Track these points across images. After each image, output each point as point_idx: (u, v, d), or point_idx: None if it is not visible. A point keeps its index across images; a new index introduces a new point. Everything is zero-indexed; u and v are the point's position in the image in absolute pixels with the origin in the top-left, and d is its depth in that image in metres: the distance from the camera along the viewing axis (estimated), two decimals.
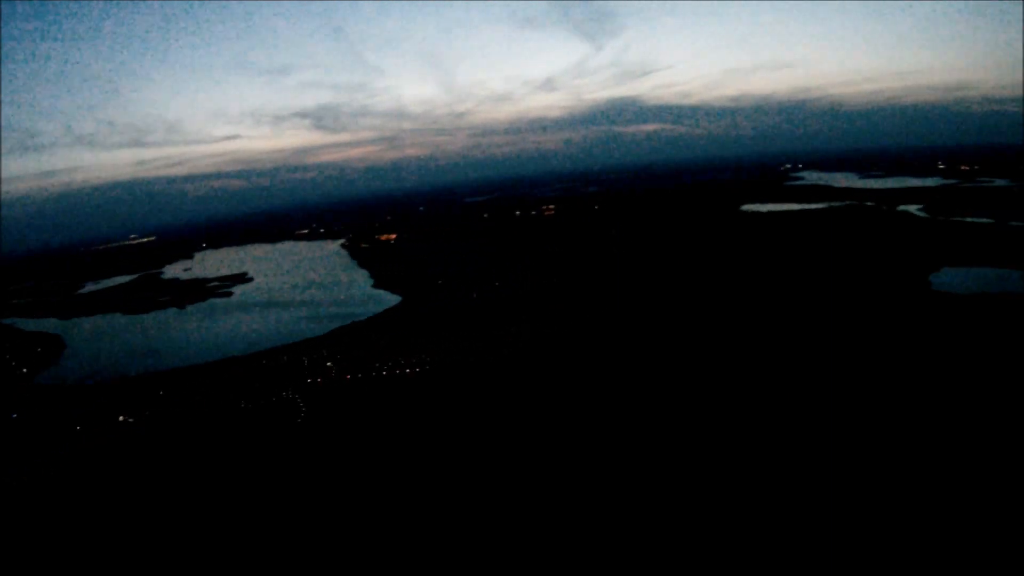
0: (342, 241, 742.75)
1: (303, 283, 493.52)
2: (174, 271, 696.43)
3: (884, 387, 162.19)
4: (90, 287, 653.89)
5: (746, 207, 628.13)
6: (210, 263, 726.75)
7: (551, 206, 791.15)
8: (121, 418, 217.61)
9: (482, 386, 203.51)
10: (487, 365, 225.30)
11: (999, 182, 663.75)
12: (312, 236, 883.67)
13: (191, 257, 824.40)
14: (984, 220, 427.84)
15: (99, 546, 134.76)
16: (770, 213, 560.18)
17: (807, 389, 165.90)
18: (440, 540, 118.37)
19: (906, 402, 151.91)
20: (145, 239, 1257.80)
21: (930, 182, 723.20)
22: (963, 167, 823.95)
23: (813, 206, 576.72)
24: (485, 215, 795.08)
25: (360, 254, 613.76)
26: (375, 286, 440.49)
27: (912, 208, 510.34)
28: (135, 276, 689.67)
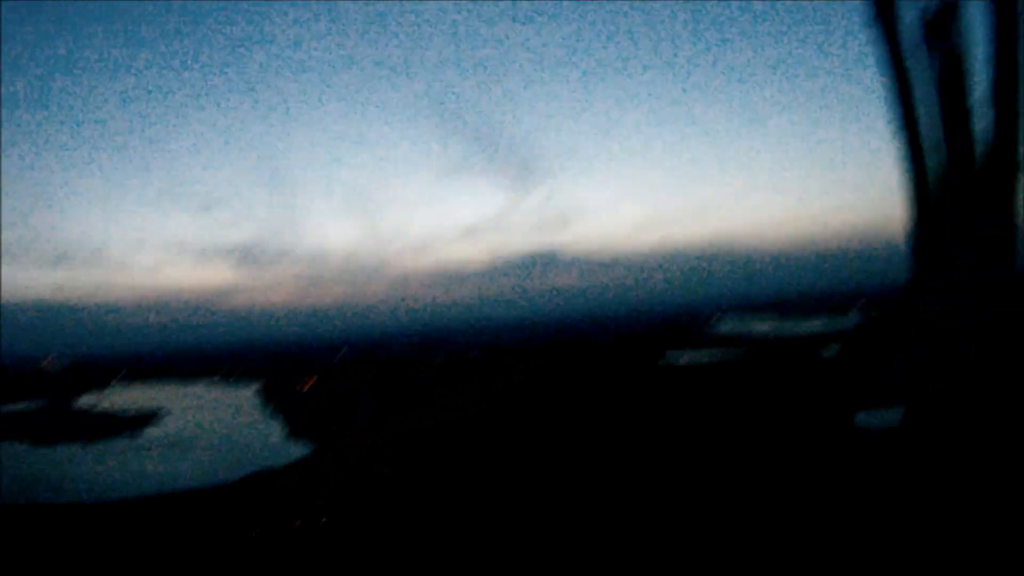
0: (258, 385, 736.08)
1: (215, 426, 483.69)
2: (86, 402, 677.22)
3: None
4: None
5: (664, 361, 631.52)
6: (124, 397, 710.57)
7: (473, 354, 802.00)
8: None
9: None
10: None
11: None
12: (228, 377, 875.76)
13: (105, 388, 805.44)
14: None
15: None
16: (690, 365, 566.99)
17: None
18: None
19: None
20: (59, 366, 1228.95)
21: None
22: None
23: (734, 352, 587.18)
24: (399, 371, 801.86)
25: (275, 399, 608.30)
26: (290, 434, 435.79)
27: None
28: (44, 402, 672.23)
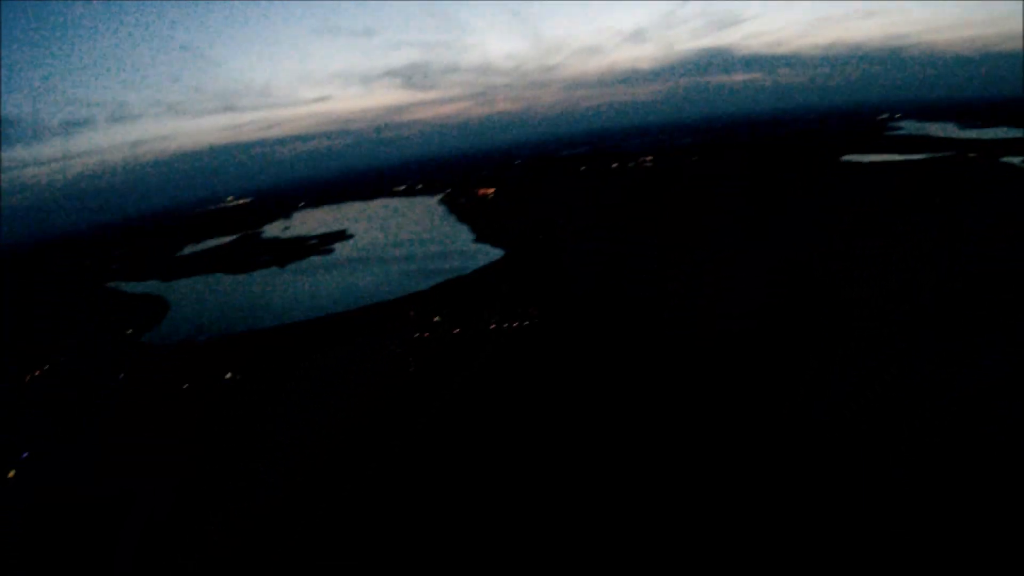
0: (440, 196, 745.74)
1: (404, 239, 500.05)
2: (273, 231, 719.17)
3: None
4: (190, 249, 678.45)
5: (847, 158, 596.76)
6: (309, 222, 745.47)
7: (648, 157, 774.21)
8: (228, 375, 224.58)
9: (592, 343, 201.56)
10: (596, 320, 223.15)
11: None
12: (409, 192, 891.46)
13: (289, 217, 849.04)
14: None
15: (206, 503, 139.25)
16: (872, 164, 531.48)
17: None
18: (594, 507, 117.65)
19: None
20: (242, 201, 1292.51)
21: None
22: None
23: (915, 157, 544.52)
24: (582, 167, 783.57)
25: (459, 209, 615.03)
26: (477, 240, 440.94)
27: (1016, 160, 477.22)
28: (234, 237, 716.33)
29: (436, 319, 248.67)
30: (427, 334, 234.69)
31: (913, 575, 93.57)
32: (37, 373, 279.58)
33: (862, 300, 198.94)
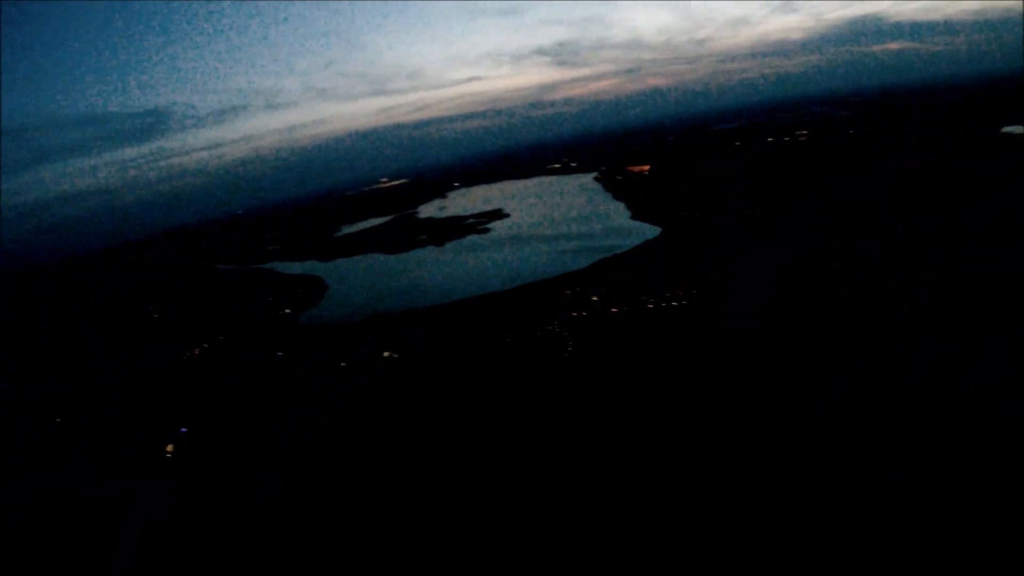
0: (595, 174, 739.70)
1: (560, 217, 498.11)
2: (428, 211, 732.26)
3: None
4: (346, 230, 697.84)
5: (1007, 129, 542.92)
6: (464, 201, 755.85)
7: (804, 131, 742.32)
8: (386, 354, 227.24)
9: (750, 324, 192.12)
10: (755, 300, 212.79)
11: None
12: (563, 170, 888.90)
13: (444, 196, 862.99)
14: None
15: (371, 479, 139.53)
16: None
17: None
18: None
19: None
20: (396, 182, 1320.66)
21: None
22: None
23: None
24: (737, 143, 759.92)
25: (614, 186, 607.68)
26: (633, 217, 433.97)
27: None
28: (390, 217, 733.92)
29: (594, 299, 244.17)
30: (584, 313, 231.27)
31: (913, 575, 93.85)
32: (196, 352, 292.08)
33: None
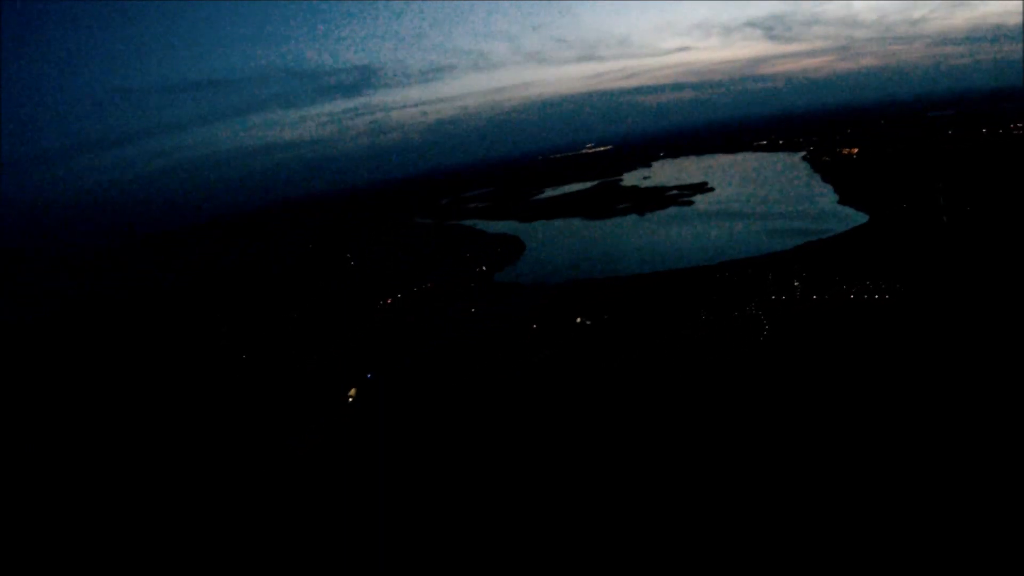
0: (803, 154, 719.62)
1: (765, 195, 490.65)
2: (632, 179, 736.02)
3: None
4: (549, 192, 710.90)
5: None
6: (668, 172, 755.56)
7: (1021, 123, 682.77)
8: (578, 319, 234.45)
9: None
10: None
11: None
12: (771, 147, 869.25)
13: (649, 166, 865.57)
14: None
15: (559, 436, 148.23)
16: None
17: None
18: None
19: None
20: (601, 148, 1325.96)
21: None
22: None
23: None
24: (949, 131, 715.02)
25: (822, 168, 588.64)
26: (840, 202, 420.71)
27: None
28: (593, 183, 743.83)
29: (795, 283, 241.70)
30: (784, 298, 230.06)
31: (913, 575, 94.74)
32: (389, 301, 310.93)
33: None
